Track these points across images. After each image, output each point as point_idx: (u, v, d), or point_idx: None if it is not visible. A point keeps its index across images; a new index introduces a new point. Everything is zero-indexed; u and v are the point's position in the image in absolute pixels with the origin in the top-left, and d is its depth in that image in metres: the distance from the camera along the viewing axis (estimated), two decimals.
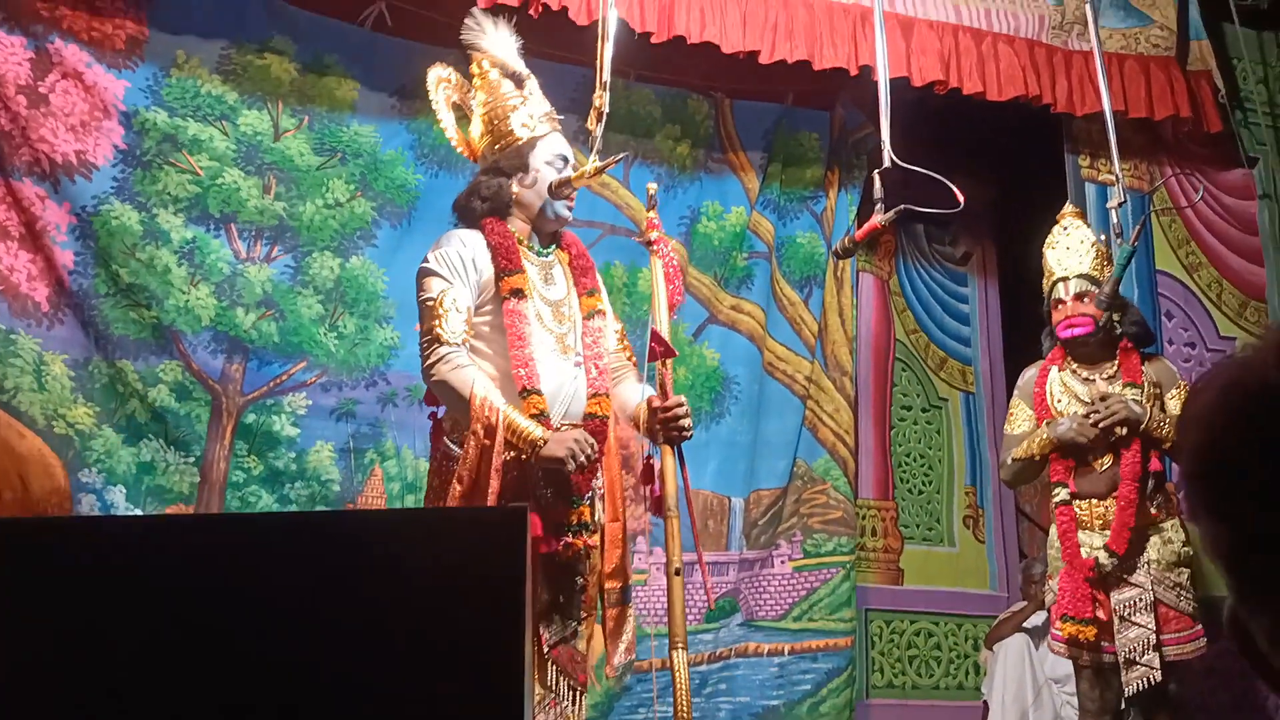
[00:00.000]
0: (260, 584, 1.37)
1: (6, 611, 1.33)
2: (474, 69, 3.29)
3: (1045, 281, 4.06)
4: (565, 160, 3.21)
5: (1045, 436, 3.92)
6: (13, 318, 3.83)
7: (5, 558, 1.36)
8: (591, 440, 2.92)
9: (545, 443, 2.87)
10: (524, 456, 2.90)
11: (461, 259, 3.03)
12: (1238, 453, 0.83)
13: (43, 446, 3.80)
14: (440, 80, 3.33)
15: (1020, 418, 4.10)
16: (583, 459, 2.87)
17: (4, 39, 3.82)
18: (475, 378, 2.92)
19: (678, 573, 2.92)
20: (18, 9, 3.86)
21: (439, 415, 3.14)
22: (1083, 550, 3.83)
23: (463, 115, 3.36)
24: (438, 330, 2.94)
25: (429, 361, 2.96)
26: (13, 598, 1.34)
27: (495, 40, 3.26)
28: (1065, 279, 3.95)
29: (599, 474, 3.09)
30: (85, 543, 1.44)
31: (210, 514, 3.88)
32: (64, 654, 1.32)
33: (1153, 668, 3.71)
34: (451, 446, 3.04)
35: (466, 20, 3.27)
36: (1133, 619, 3.76)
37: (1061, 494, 3.90)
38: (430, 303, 2.99)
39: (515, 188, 3.16)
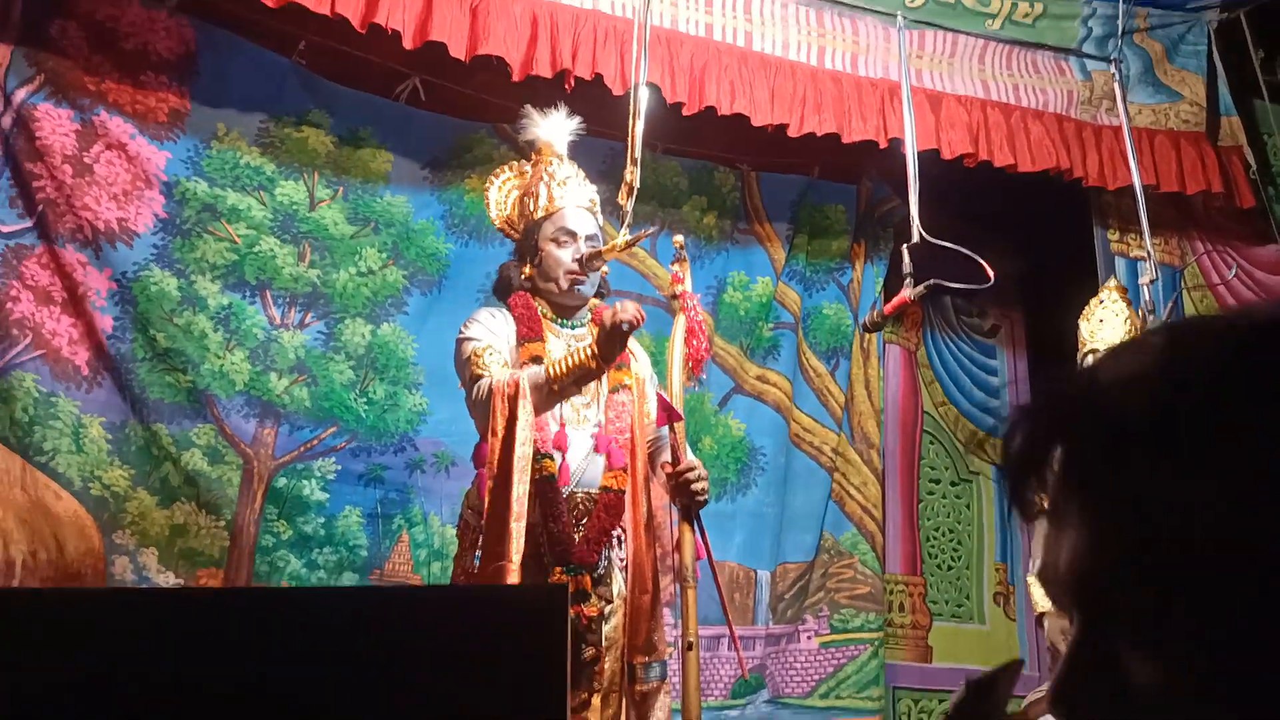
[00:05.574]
0: (304, 659, 1.38)
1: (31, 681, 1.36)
2: (533, 155, 3.41)
3: (1079, 354, 4.10)
4: (572, 235, 3.23)
5: None
6: (54, 380, 3.89)
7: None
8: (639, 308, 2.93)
9: (595, 344, 2.91)
10: (593, 366, 2.92)
11: (490, 328, 3.15)
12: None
13: (78, 508, 3.86)
14: (504, 182, 3.43)
15: None
16: (632, 318, 2.87)
17: (52, 111, 3.93)
18: (496, 374, 2.96)
19: (690, 647, 2.84)
20: (65, 83, 3.97)
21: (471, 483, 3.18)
22: None
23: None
24: (477, 371, 3.02)
25: (469, 399, 3.04)
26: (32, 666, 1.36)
27: (545, 127, 3.37)
28: (1097, 351, 3.98)
29: (618, 545, 3.09)
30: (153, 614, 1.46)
31: (252, 587, 3.88)
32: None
33: None
34: (468, 514, 3.10)
35: (522, 118, 3.40)
36: None
37: None
38: (469, 358, 3.07)
39: (526, 268, 3.24)
